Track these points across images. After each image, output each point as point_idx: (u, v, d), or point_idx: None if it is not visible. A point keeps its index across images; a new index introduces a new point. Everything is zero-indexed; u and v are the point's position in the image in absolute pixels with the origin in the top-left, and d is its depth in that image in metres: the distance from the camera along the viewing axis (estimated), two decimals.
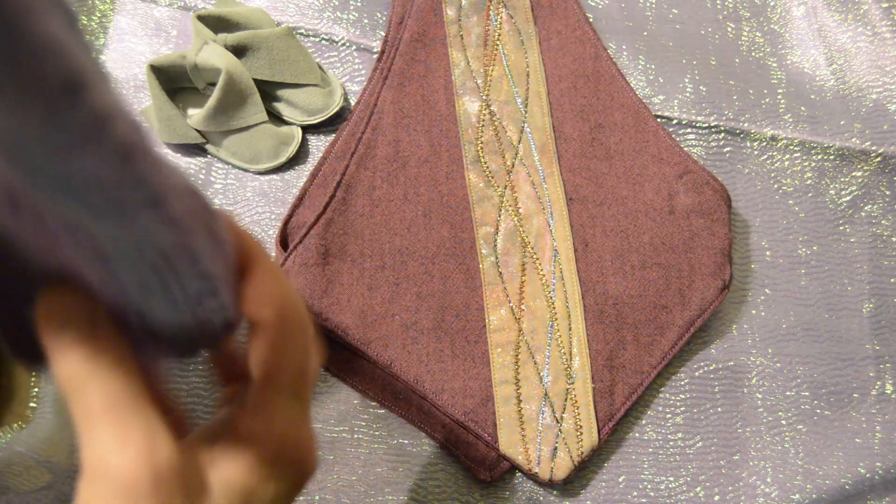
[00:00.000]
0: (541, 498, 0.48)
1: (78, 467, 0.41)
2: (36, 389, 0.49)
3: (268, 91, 0.52)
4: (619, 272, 0.51)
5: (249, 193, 0.52)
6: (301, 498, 0.45)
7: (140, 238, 0.17)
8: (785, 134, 0.56)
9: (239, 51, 0.50)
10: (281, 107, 0.52)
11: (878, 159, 0.56)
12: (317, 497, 0.46)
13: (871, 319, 0.53)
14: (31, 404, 0.48)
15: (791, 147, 0.56)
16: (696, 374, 0.50)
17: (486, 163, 0.53)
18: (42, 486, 0.40)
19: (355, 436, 0.48)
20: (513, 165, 0.53)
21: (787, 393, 0.50)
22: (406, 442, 0.48)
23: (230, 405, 0.25)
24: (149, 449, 0.19)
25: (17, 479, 0.39)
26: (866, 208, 0.55)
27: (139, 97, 0.54)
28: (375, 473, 0.47)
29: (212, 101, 0.49)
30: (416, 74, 0.54)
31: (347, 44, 0.56)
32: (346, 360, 0.49)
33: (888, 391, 0.51)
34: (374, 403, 0.49)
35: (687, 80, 0.56)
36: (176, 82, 0.52)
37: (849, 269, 0.54)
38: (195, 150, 0.53)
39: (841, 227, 0.54)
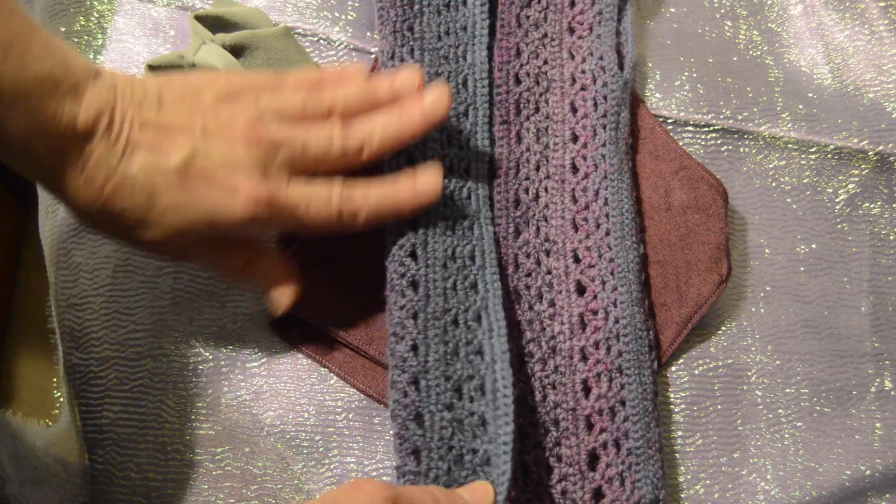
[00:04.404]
0: None
1: (88, 469, 0.40)
2: (58, 393, 0.50)
3: None
4: None
5: None
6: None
7: None
8: (783, 132, 0.56)
9: (237, 51, 0.50)
10: None
11: (876, 158, 0.56)
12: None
13: (870, 317, 0.53)
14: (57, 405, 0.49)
15: (789, 145, 0.56)
16: (696, 371, 0.50)
17: None
18: (55, 483, 0.41)
19: (353, 433, 0.48)
20: None
21: (787, 390, 0.50)
22: None
23: None
24: None
25: (33, 472, 0.39)
26: (864, 206, 0.55)
27: None
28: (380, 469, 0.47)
29: None
30: None
31: (345, 44, 0.56)
32: (347, 359, 0.49)
33: (887, 388, 0.51)
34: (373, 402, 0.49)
35: (684, 79, 0.57)
36: None
37: (847, 266, 0.54)
38: None
39: (839, 226, 0.55)
